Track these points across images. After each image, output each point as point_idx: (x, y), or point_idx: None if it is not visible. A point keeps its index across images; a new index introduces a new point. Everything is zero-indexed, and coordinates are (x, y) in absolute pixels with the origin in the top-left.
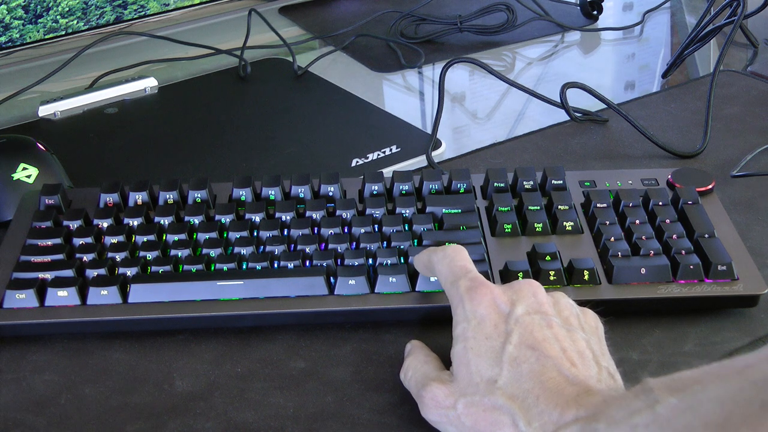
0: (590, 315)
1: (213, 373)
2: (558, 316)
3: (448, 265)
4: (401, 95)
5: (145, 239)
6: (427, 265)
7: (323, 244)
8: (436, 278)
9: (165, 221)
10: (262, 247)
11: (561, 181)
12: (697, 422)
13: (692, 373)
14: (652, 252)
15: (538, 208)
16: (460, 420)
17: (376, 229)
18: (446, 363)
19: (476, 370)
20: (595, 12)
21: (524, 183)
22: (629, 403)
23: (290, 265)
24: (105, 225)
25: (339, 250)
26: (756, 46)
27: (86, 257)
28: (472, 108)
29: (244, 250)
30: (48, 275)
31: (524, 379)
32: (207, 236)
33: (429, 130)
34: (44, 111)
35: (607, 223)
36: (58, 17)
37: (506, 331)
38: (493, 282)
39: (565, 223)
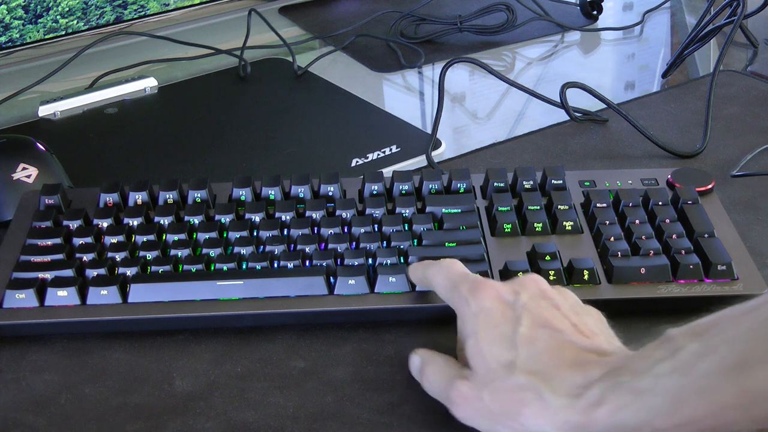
0: (593, 308)
1: (213, 373)
2: (564, 302)
3: (446, 275)
4: (401, 95)
5: (145, 239)
6: (422, 279)
7: (323, 244)
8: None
9: (165, 221)
10: (262, 247)
11: (561, 181)
12: (716, 365)
13: (711, 317)
14: (652, 252)
15: (538, 208)
16: (488, 409)
17: (376, 229)
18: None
19: (492, 358)
20: (595, 12)
21: (524, 183)
22: (651, 354)
23: (290, 265)
24: (105, 225)
25: (339, 250)
26: (756, 46)
27: (86, 257)
28: (472, 108)
29: (244, 250)
30: (48, 275)
31: (541, 354)
32: (207, 236)
33: (429, 130)
34: (44, 111)
35: (607, 222)
36: (58, 17)
37: (515, 317)
38: None
39: (564, 222)
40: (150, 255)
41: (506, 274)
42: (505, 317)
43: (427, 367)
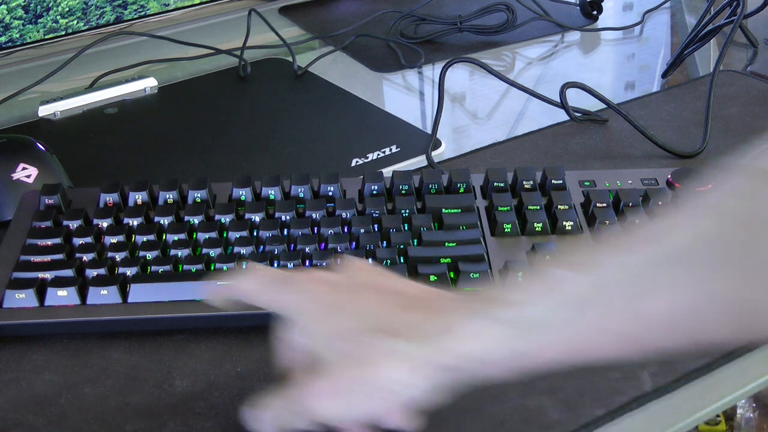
0: None
1: (213, 373)
2: (382, 268)
3: (254, 278)
4: (401, 95)
5: (144, 239)
6: (228, 294)
7: (323, 244)
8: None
9: (165, 221)
10: (261, 246)
11: (561, 181)
12: (604, 294)
13: (595, 247)
14: None
15: (538, 207)
16: (348, 388)
17: (376, 229)
18: None
19: (332, 334)
20: (595, 12)
21: (524, 183)
22: (529, 286)
23: (290, 264)
24: (105, 225)
25: (339, 250)
26: (756, 46)
27: (86, 257)
28: (472, 108)
29: (244, 250)
30: (48, 275)
31: (382, 311)
32: (207, 236)
33: (429, 130)
34: (44, 111)
35: (607, 222)
36: (58, 17)
37: (342, 289)
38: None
39: (564, 222)
40: (150, 255)
41: (506, 274)
42: (333, 293)
43: (269, 408)
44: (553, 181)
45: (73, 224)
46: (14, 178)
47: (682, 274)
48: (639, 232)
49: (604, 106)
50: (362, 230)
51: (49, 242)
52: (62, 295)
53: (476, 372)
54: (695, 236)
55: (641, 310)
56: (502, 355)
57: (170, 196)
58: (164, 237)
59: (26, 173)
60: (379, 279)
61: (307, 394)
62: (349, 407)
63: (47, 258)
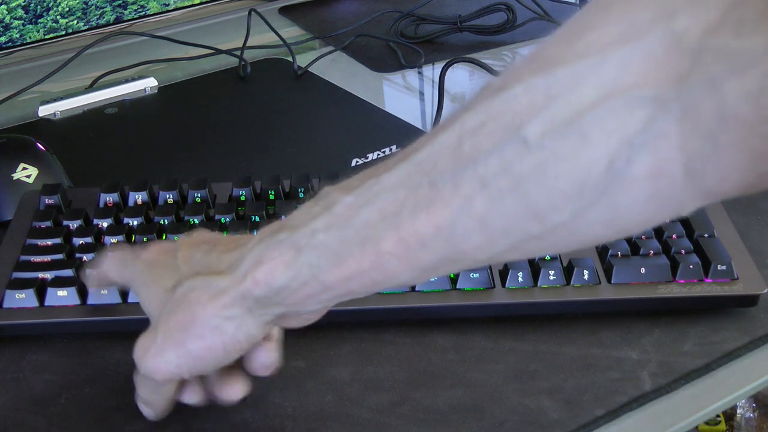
0: None
1: None
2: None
3: (115, 259)
4: (401, 95)
5: (145, 239)
6: (98, 276)
7: None
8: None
9: (165, 221)
10: None
11: None
12: (375, 215)
13: (369, 170)
14: (652, 251)
15: None
16: (170, 338)
17: None
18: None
19: (160, 289)
20: None
21: None
22: (309, 210)
23: None
24: (105, 225)
25: None
26: None
27: (86, 257)
28: None
29: None
30: (48, 275)
31: (201, 259)
32: None
33: (429, 130)
34: (44, 111)
35: None
36: (58, 17)
37: (174, 248)
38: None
39: None
40: None
41: (506, 273)
42: (167, 255)
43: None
44: None
45: (73, 224)
46: (14, 178)
47: (427, 191)
48: (404, 149)
49: None
50: None
51: (49, 242)
52: (62, 295)
53: (284, 302)
54: (432, 149)
55: (403, 229)
56: (291, 279)
57: (170, 196)
58: (165, 237)
59: (26, 173)
60: (200, 234)
61: (138, 355)
62: (173, 362)
63: (47, 258)
